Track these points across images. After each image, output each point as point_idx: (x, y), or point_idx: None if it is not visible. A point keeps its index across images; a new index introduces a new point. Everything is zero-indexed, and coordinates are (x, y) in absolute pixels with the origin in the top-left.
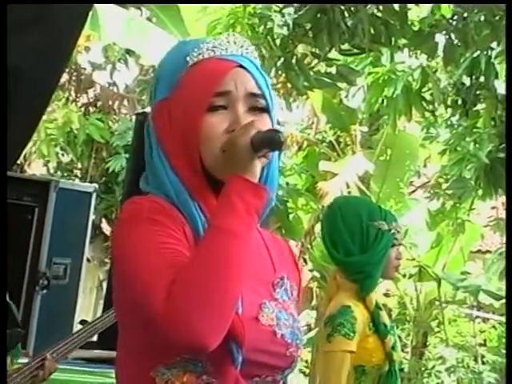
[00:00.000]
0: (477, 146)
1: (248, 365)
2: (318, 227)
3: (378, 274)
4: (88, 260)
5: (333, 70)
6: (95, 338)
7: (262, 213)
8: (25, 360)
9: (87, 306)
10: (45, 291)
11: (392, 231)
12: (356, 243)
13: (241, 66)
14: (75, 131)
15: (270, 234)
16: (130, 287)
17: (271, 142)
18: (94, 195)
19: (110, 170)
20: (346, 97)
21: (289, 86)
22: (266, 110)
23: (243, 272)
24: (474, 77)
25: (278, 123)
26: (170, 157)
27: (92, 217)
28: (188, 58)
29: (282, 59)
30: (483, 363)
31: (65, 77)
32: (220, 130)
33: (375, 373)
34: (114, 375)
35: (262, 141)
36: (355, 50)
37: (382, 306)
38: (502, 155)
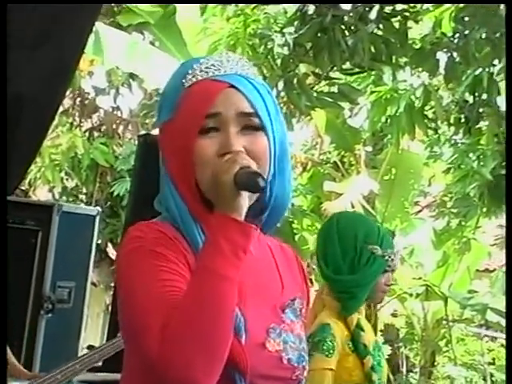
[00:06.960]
0: (480, 163)
1: None
2: None
3: (363, 296)
4: (94, 284)
5: (335, 89)
6: (100, 362)
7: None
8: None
9: (94, 331)
10: (49, 315)
11: (386, 257)
12: (346, 262)
13: (232, 86)
14: (80, 156)
15: (278, 243)
16: (128, 320)
17: (250, 186)
18: (98, 218)
19: (115, 193)
20: (350, 117)
21: (291, 106)
22: (260, 128)
23: (232, 312)
24: (476, 94)
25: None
26: (173, 179)
27: (96, 240)
28: (184, 80)
29: (284, 79)
30: (492, 382)
31: (69, 102)
32: (211, 153)
33: None
34: None
35: (242, 183)
36: (356, 69)
37: (387, 326)
38: None
